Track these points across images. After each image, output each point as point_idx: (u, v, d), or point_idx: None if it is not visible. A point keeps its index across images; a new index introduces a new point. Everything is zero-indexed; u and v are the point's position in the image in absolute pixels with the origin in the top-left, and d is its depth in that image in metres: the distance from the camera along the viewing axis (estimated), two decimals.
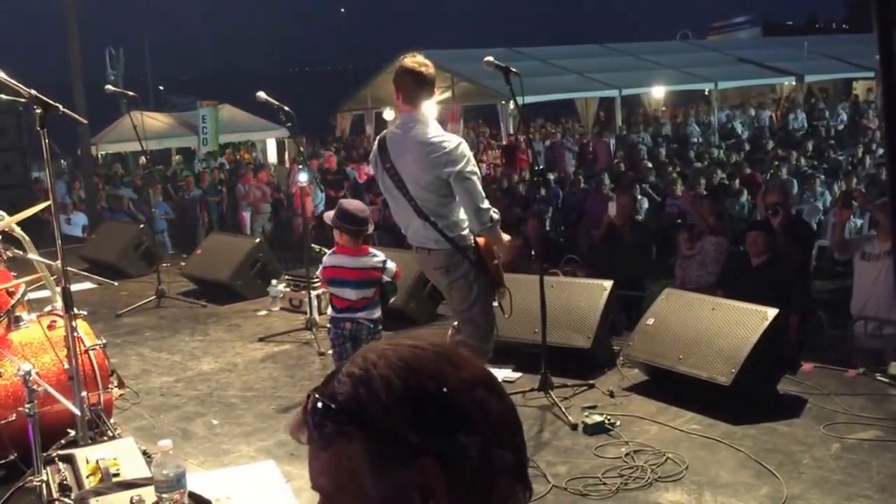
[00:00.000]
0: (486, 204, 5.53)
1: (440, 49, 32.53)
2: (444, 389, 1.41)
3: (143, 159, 20.09)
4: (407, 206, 5.56)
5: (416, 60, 5.56)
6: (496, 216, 5.60)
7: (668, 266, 10.97)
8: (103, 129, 27.80)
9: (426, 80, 5.52)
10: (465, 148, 5.48)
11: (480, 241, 5.66)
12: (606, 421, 5.90)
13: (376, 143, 5.77)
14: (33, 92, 4.67)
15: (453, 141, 5.47)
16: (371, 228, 6.26)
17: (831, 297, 11.09)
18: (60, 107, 4.73)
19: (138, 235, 12.06)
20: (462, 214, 5.59)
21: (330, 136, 34.57)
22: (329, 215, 6.20)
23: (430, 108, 5.64)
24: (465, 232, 5.60)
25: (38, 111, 4.64)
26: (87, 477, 4.16)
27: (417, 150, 5.44)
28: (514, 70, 5.97)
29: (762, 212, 11.18)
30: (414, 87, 5.50)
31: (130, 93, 11.04)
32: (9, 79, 4.72)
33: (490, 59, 6.06)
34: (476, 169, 5.56)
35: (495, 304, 5.89)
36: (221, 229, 17.92)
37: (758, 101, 35.95)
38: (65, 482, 4.14)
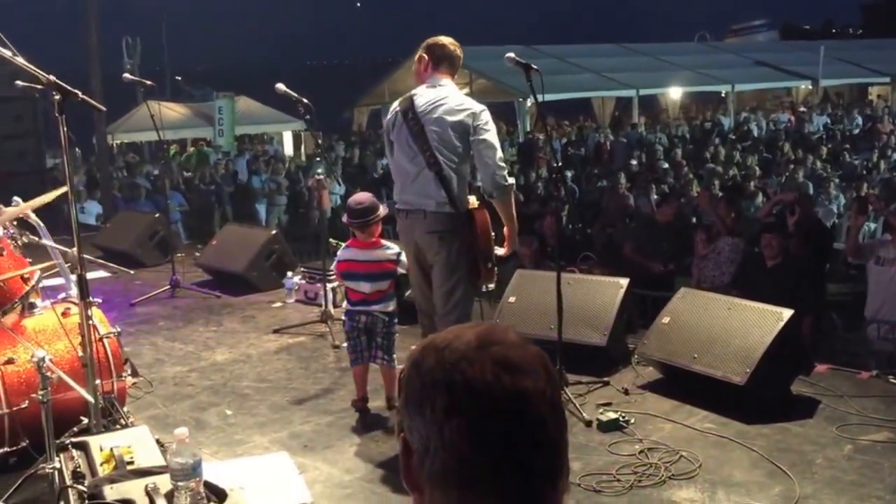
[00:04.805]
0: (503, 163, 5.65)
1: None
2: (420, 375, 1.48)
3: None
4: (420, 161, 5.59)
5: (447, 38, 5.83)
6: (512, 180, 5.70)
7: (684, 265, 10.95)
8: (118, 119, 27.81)
9: (454, 53, 5.78)
10: (488, 115, 5.63)
11: (477, 213, 5.65)
12: (621, 418, 5.89)
13: (398, 102, 5.82)
14: (52, 78, 4.65)
15: (479, 106, 5.63)
16: (383, 212, 6.21)
17: (844, 300, 11.04)
18: (79, 93, 4.72)
19: (153, 225, 12.06)
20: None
21: (346, 130, 34.50)
22: None
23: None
24: (465, 206, 5.61)
25: (57, 97, 4.63)
26: (101, 464, 4.15)
27: (447, 103, 5.57)
28: (535, 67, 5.97)
29: (768, 209, 11.14)
30: (444, 56, 5.74)
31: (148, 81, 10.93)
32: (28, 65, 4.72)
33: (511, 55, 6.06)
34: (497, 138, 5.69)
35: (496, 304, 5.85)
36: (236, 220, 17.91)
37: (775, 105, 35.90)
38: (78, 469, 4.12)
